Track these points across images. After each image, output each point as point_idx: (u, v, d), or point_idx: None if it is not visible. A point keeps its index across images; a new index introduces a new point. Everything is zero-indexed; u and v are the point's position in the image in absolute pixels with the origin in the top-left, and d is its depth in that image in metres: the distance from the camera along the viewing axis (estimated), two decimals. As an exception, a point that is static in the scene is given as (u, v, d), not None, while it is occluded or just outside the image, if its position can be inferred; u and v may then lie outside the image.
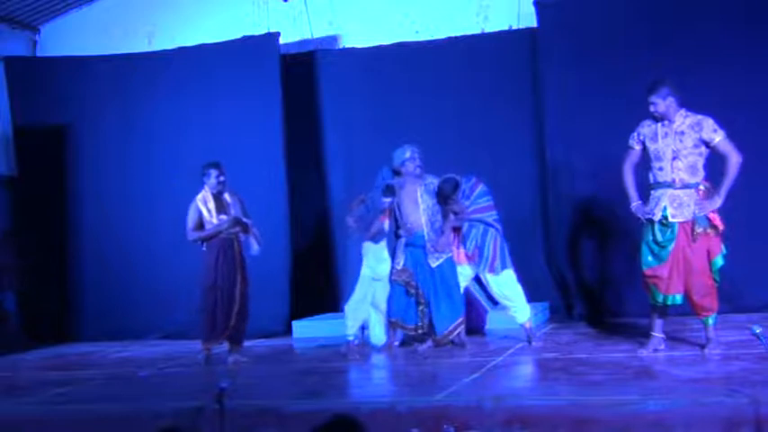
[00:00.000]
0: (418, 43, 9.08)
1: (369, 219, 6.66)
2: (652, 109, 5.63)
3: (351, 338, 6.78)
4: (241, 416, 4.80)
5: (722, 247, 5.65)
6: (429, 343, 6.85)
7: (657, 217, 5.61)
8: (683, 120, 5.61)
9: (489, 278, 6.79)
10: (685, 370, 5.25)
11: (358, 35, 9.41)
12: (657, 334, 5.85)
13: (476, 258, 6.80)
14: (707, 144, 5.56)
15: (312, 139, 9.32)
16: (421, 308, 6.81)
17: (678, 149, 5.57)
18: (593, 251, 8.14)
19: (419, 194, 6.83)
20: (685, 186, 5.58)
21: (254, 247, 7.00)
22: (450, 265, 6.83)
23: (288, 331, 8.50)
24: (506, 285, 6.78)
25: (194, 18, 9.85)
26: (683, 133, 5.58)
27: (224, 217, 6.88)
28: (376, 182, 6.93)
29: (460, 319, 6.79)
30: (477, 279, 6.97)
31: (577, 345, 6.64)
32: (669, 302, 5.69)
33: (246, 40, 9.07)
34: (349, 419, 2.89)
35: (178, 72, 9.22)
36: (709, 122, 5.56)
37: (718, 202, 5.53)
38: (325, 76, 9.32)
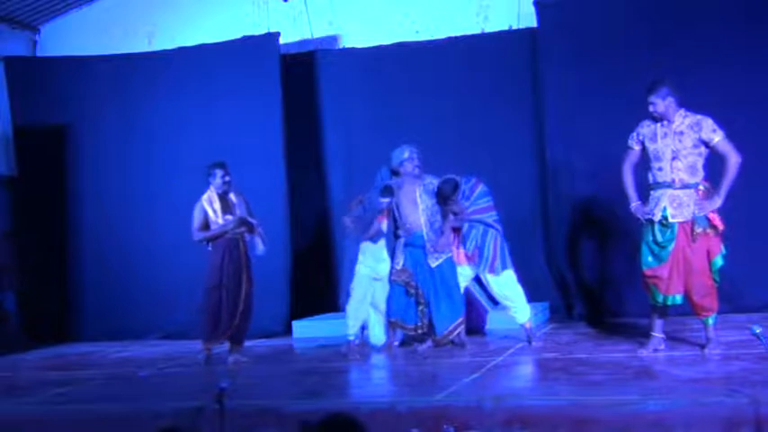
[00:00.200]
0: (418, 43, 9.08)
1: (366, 219, 6.66)
2: (651, 109, 5.63)
3: (351, 338, 6.78)
4: (241, 416, 4.80)
5: (722, 247, 5.65)
6: (429, 343, 6.86)
7: (657, 217, 5.62)
8: (683, 120, 5.61)
9: (489, 278, 6.79)
10: (685, 370, 5.25)
11: (358, 35, 9.42)
12: (657, 334, 5.86)
13: (476, 259, 6.80)
14: (706, 144, 5.56)
15: (312, 139, 9.33)
16: (421, 308, 6.81)
17: (677, 149, 5.57)
18: (593, 251, 8.14)
19: (418, 195, 6.83)
20: (685, 186, 5.58)
21: (260, 247, 7.01)
22: (450, 265, 6.83)
23: (288, 331, 8.50)
24: (506, 286, 6.78)
25: (194, 18, 9.85)
26: (682, 133, 5.58)
27: (229, 217, 6.88)
28: (375, 182, 6.93)
29: (460, 320, 6.79)
30: (478, 279, 6.97)
31: (577, 345, 6.64)
32: (669, 303, 5.69)
33: (246, 40, 9.07)
34: (347, 418, 2.89)
35: (178, 72, 9.22)
36: (708, 122, 5.56)
37: (717, 202, 5.53)
38: (325, 76, 9.32)
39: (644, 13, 7.96)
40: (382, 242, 6.79)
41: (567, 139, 8.12)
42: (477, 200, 6.82)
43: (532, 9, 8.32)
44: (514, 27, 8.83)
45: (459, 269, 6.87)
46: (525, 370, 6.10)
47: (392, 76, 8.99)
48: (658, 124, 5.67)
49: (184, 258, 8.60)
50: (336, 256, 9.02)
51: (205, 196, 6.92)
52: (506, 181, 8.27)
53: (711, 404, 4.24)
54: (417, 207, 6.82)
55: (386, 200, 6.68)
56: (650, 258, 5.68)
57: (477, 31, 9.03)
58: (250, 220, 6.97)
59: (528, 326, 6.83)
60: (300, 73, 9.22)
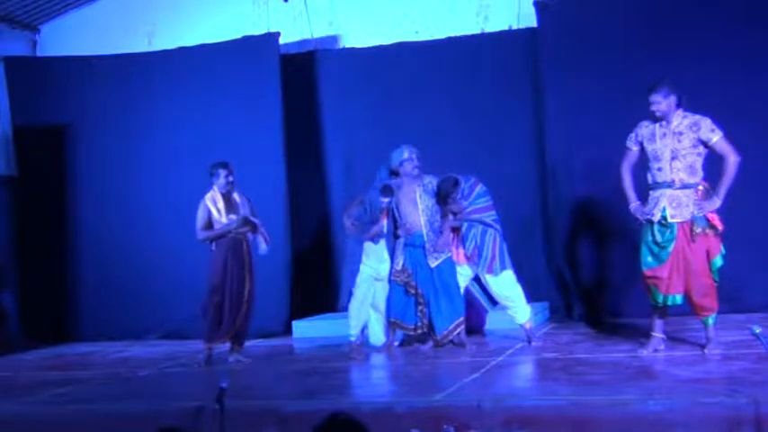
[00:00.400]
0: (418, 43, 9.08)
1: (366, 220, 6.66)
2: (654, 108, 5.62)
3: (353, 338, 6.78)
4: (241, 416, 4.80)
5: (721, 247, 5.65)
6: (430, 343, 6.86)
7: (657, 217, 5.62)
8: (681, 120, 5.62)
9: (488, 279, 6.79)
10: (685, 370, 5.24)
11: (358, 35, 9.42)
12: (658, 334, 5.86)
13: (475, 258, 6.80)
14: (705, 144, 5.56)
15: (312, 139, 9.33)
16: (420, 308, 6.81)
17: (677, 149, 5.57)
18: (593, 251, 8.13)
19: (418, 195, 6.83)
20: (684, 186, 5.58)
21: (262, 247, 7.01)
22: (450, 265, 6.83)
23: (288, 331, 8.50)
24: (506, 286, 6.79)
25: (194, 18, 9.85)
26: (681, 133, 5.58)
27: (233, 216, 6.89)
28: (374, 183, 6.93)
29: (460, 320, 6.79)
30: (477, 279, 6.97)
31: (577, 345, 6.64)
32: (669, 303, 5.69)
33: (246, 40, 9.07)
34: (349, 419, 2.89)
35: (178, 72, 9.22)
36: (706, 122, 5.57)
37: (717, 202, 5.54)
38: (325, 76, 9.33)
39: (644, 14, 7.96)
40: (383, 242, 6.79)
41: (567, 139, 8.12)
42: (475, 199, 6.82)
43: (532, 9, 8.32)
44: (514, 27, 8.82)
45: (458, 269, 6.87)
46: (525, 370, 6.10)
47: (392, 76, 8.99)
48: (657, 124, 5.67)
49: (184, 258, 8.61)
50: (336, 256, 9.02)
51: (209, 196, 6.93)
52: (506, 181, 8.27)
53: (711, 404, 4.24)
54: (417, 207, 6.82)
55: (386, 199, 6.68)
56: (650, 259, 5.68)
57: (477, 31, 9.03)
58: (253, 219, 6.98)
59: (528, 326, 6.83)
60: (300, 73, 9.22)
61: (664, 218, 5.59)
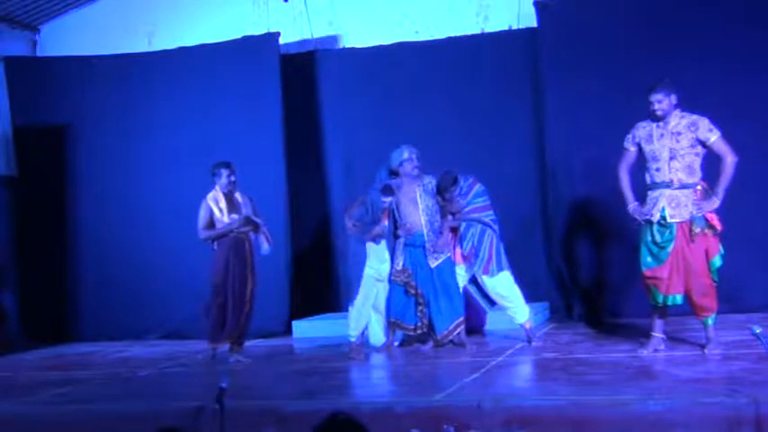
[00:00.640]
0: (418, 43, 9.08)
1: (368, 220, 6.66)
2: (656, 107, 5.62)
3: (353, 339, 6.78)
4: (241, 416, 4.80)
5: (720, 247, 5.65)
6: (430, 343, 6.86)
7: (656, 218, 5.62)
8: (679, 120, 5.62)
9: (485, 279, 6.80)
10: (685, 370, 5.25)
11: (358, 35, 9.41)
12: (658, 334, 5.86)
13: (471, 259, 6.81)
14: (703, 144, 5.57)
15: (312, 139, 9.32)
16: (420, 308, 6.81)
17: (675, 149, 5.58)
18: (592, 251, 8.13)
19: (418, 195, 6.84)
20: (683, 186, 5.59)
21: (265, 246, 7.02)
22: (450, 265, 6.83)
23: (288, 331, 8.50)
24: (503, 286, 6.79)
25: (194, 18, 9.84)
26: (679, 133, 5.59)
27: (235, 216, 6.88)
28: (374, 183, 6.93)
29: (460, 320, 6.79)
30: (475, 280, 6.96)
31: (577, 345, 6.64)
32: (669, 303, 5.69)
33: (246, 40, 9.07)
34: (349, 420, 2.88)
35: (178, 72, 9.21)
36: (704, 122, 5.57)
37: (716, 202, 5.54)
38: (325, 76, 9.32)
39: (644, 14, 7.95)
40: (384, 243, 6.79)
41: (567, 139, 8.12)
42: (474, 199, 6.83)
43: (532, 9, 8.31)
44: (514, 27, 8.82)
45: (456, 269, 6.88)
46: (525, 370, 6.10)
47: (392, 76, 8.99)
48: (654, 125, 5.68)
49: (184, 258, 8.62)
50: (336, 256, 9.03)
51: (211, 195, 6.93)
52: (506, 181, 8.27)
53: (711, 404, 4.24)
54: (417, 207, 6.83)
55: (388, 199, 6.68)
56: (649, 259, 5.68)
57: (477, 31, 9.02)
58: (255, 219, 6.98)
59: (528, 326, 6.84)
60: (300, 73, 9.21)
61: (663, 218, 5.59)
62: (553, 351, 6.42)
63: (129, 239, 9.24)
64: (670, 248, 5.59)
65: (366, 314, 6.82)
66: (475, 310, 7.24)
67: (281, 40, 9.07)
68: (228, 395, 4.43)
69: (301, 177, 9.08)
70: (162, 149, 9.20)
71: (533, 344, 6.71)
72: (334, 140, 9.31)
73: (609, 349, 6.25)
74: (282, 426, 4.84)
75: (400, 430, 4.50)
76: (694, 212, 5.55)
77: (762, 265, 7.51)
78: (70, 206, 9.56)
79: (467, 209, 6.82)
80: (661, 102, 5.61)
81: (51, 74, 9.59)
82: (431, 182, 6.87)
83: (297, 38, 9.55)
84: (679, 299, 5.66)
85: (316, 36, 9.55)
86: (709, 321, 5.71)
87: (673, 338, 6.11)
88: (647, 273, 5.69)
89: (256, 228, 6.99)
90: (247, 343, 7.25)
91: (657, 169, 5.64)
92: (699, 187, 5.61)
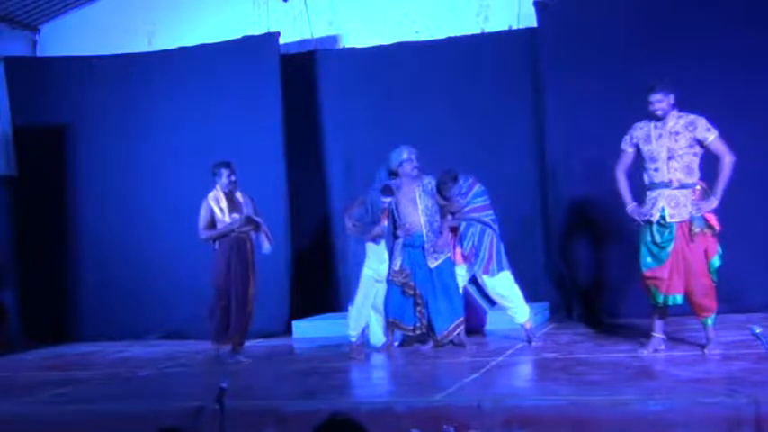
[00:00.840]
0: (418, 43, 9.08)
1: (368, 220, 6.66)
2: (655, 107, 5.62)
3: (353, 339, 6.78)
4: (241, 416, 4.80)
5: (718, 247, 5.66)
6: (430, 343, 6.87)
7: (656, 218, 5.62)
8: (677, 120, 5.63)
9: (485, 279, 6.80)
10: (685, 370, 5.25)
11: (358, 35, 9.41)
12: (658, 334, 5.86)
13: (471, 259, 6.81)
14: (701, 143, 5.58)
15: (312, 139, 9.32)
16: (419, 308, 6.81)
17: (673, 149, 5.58)
18: (592, 251, 8.13)
19: (417, 195, 6.83)
20: (682, 186, 5.59)
21: (266, 246, 7.01)
22: (449, 265, 6.83)
23: (288, 331, 8.50)
24: (503, 286, 6.79)
25: (194, 18, 9.84)
26: (677, 133, 5.59)
27: (236, 216, 6.88)
28: (373, 184, 6.93)
29: (460, 320, 6.79)
30: (475, 280, 6.96)
31: (577, 345, 6.64)
32: (670, 303, 5.69)
33: (246, 40, 9.07)
34: (348, 420, 2.89)
35: (178, 72, 9.21)
36: (702, 122, 5.59)
37: (714, 202, 5.55)
38: (325, 76, 9.32)
39: (644, 14, 7.95)
40: (383, 243, 6.79)
41: (567, 139, 8.12)
42: (473, 198, 6.84)
43: (532, 9, 8.31)
44: (514, 27, 8.82)
45: (456, 269, 6.88)
46: (525, 370, 6.10)
47: (392, 76, 8.99)
48: (652, 125, 5.68)
49: (184, 258, 8.62)
50: (336, 256, 9.03)
51: (211, 195, 6.92)
52: (506, 181, 8.28)
53: (711, 404, 4.24)
54: (417, 208, 6.82)
55: (387, 199, 6.68)
56: (649, 259, 5.68)
57: (477, 31, 9.03)
58: (256, 218, 6.98)
59: (528, 326, 6.84)
60: (300, 73, 9.22)
61: (663, 218, 5.59)
62: (553, 351, 6.42)
63: (129, 239, 9.23)
64: (670, 248, 5.59)
65: (366, 314, 6.82)
66: (475, 310, 7.24)
67: (281, 40, 9.07)
68: (228, 395, 4.43)
69: (301, 177, 9.08)
70: (162, 149, 9.20)
71: (533, 344, 6.71)
72: (334, 140, 9.31)
73: (609, 349, 6.25)
74: (282, 426, 4.84)
75: (400, 430, 4.50)
76: (694, 212, 5.56)
77: (762, 265, 7.51)
78: (70, 206, 9.56)
79: (466, 209, 6.82)
80: (661, 101, 5.61)
81: (51, 74, 9.59)
82: (430, 182, 6.87)
83: (297, 38, 9.55)
84: (679, 299, 5.66)
85: (316, 36, 9.55)
86: (709, 322, 5.71)
87: (673, 338, 6.11)
88: (647, 273, 5.69)
89: (257, 227, 6.99)
90: (247, 343, 7.25)
91: (656, 169, 5.64)
92: (698, 187, 5.62)
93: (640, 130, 5.75)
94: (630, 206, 5.80)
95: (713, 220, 5.60)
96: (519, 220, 8.27)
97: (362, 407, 4.79)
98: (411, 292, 6.81)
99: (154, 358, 7.71)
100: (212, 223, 6.90)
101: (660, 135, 5.63)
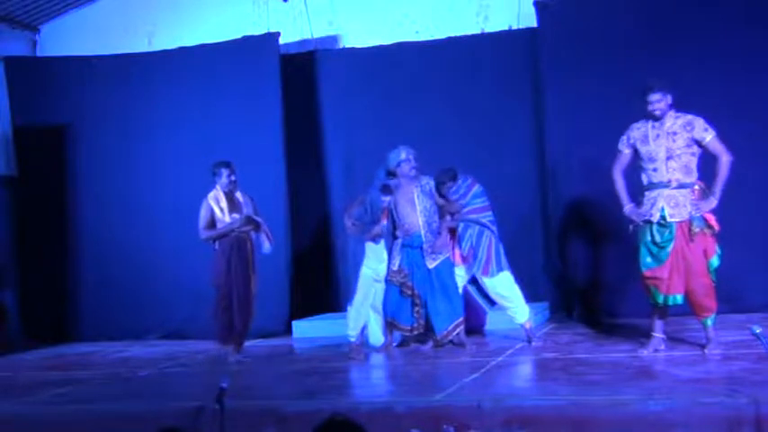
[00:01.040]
0: (418, 43, 9.08)
1: (367, 220, 6.66)
2: (654, 107, 5.62)
3: (352, 339, 6.78)
4: (241, 416, 4.80)
5: (717, 247, 5.66)
6: (430, 343, 6.87)
7: (656, 218, 5.62)
8: (675, 120, 5.63)
9: (485, 280, 6.81)
10: (685, 370, 5.25)
11: (358, 35, 9.42)
12: (658, 334, 5.86)
13: (470, 259, 6.81)
14: (698, 143, 5.58)
15: (312, 139, 9.33)
16: (417, 308, 6.81)
17: (671, 149, 5.59)
18: (592, 251, 8.12)
19: (415, 195, 6.83)
20: (681, 186, 5.60)
21: (266, 246, 7.00)
22: (448, 265, 6.83)
23: (288, 331, 8.50)
24: (503, 286, 6.79)
25: (194, 18, 9.84)
26: (675, 133, 5.60)
27: (237, 215, 6.87)
28: (372, 184, 6.93)
29: (459, 320, 6.79)
30: (475, 280, 6.96)
31: (577, 345, 6.64)
32: (670, 303, 5.69)
33: (246, 39, 9.07)
34: (347, 421, 2.89)
35: (178, 72, 9.21)
36: (700, 122, 5.60)
37: (713, 202, 5.55)
38: (325, 76, 9.33)
39: (644, 14, 7.95)
40: (382, 243, 6.79)
41: (567, 139, 8.11)
42: (472, 199, 6.84)
43: (532, 9, 8.31)
44: (514, 27, 8.82)
45: (455, 269, 6.88)
46: (525, 370, 6.10)
47: (392, 76, 8.99)
48: (649, 125, 5.69)
49: (184, 258, 8.62)
50: (336, 256, 9.03)
51: (211, 195, 6.91)
52: (506, 181, 8.28)
53: (711, 404, 4.24)
54: (415, 208, 6.82)
55: (387, 198, 6.68)
56: (649, 259, 5.68)
57: (477, 31, 9.03)
58: (256, 218, 6.97)
59: (528, 326, 6.84)
60: (300, 73, 9.22)
61: (663, 218, 5.59)
62: (553, 351, 6.42)
63: (129, 239, 9.24)
64: (670, 248, 5.59)
65: (365, 314, 6.83)
66: (475, 310, 7.25)
67: (281, 40, 9.07)
68: (228, 395, 4.43)
69: (301, 177, 9.08)
70: (162, 149, 9.20)
71: (533, 344, 6.70)
72: (334, 140, 9.31)
73: (609, 349, 6.25)
74: (282, 426, 4.84)
75: (400, 430, 4.50)
76: (693, 212, 5.56)
77: (762, 265, 7.51)
78: (70, 206, 9.57)
79: (465, 210, 6.82)
80: (660, 101, 5.62)
81: (51, 74, 9.59)
82: (428, 182, 6.87)
83: (297, 38, 9.56)
84: (679, 299, 5.66)
85: (316, 36, 9.55)
86: (709, 322, 5.71)
87: (673, 338, 6.11)
88: (647, 273, 5.69)
89: (257, 227, 6.98)
90: (247, 343, 7.25)
91: (655, 170, 5.64)
92: (696, 187, 5.63)
93: (637, 130, 5.76)
94: (628, 207, 5.80)
95: (712, 219, 5.61)
96: (519, 220, 8.28)
97: (362, 407, 4.79)
98: (409, 292, 6.81)
99: (154, 358, 7.71)
100: (212, 223, 6.88)
101: (658, 135, 5.64)
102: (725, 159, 5.53)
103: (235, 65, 9.02)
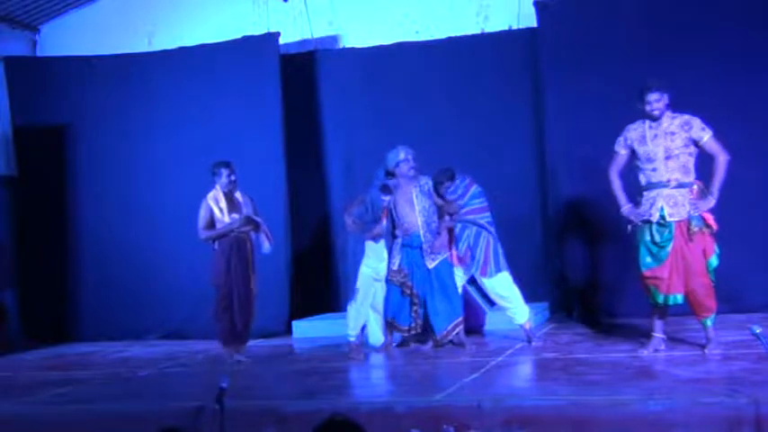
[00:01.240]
0: (418, 43, 9.08)
1: (368, 219, 6.66)
2: (653, 107, 5.62)
3: (352, 339, 6.78)
4: (241, 416, 4.80)
5: (715, 247, 5.66)
6: (430, 343, 6.87)
7: (656, 218, 5.62)
8: (672, 120, 5.64)
9: (484, 281, 6.81)
10: (685, 370, 5.25)
11: (358, 35, 9.42)
12: (658, 334, 5.86)
13: (467, 260, 6.81)
14: (696, 143, 5.59)
15: (312, 139, 9.32)
16: (415, 308, 6.81)
17: (670, 149, 5.59)
18: (592, 251, 8.12)
19: (414, 196, 6.83)
20: (680, 186, 5.60)
21: (266, 245, 6.99)
22: (447, 265, 6.83)
23: (288, 331, 8.50)
24: (502, 287, 6.79)
25: (194, 18, 9.85)
26: (673, 133, 5.61)
27: (236, 216, 6.86)
28: (372, 183, 6.93)
29: (459, 320, 6.79)
30: (474, 280, 6.96)
31: (577, 345, 6.64)
32: (670, 302, 5.69)
33: (246, 40, 9.07)
34: (346, 421, 2.89)
35: (178, 72, 9.22)
36: (697, 122, 5.61)
37: (711, 201, 5.56)
38: (325, 76, 9.33)
39: (644, 14, 7.95)
40: (382, 242, 6.80)
41: (567, 139, 8.11)
42: (470, 200, 6.84)
43: (532, 9, 8.31)
44: (514, 27, 8.83)
45: (454, 270, 6.88)
46: (525, 370, 6.10)
47: (392, 76, 8.99)
48: (646, 126, 5.69)
49: (184, 258, 8.62)
50: (336, 256, 9.02)
51: (211, 195, 6.90)
52: (506, 181, 8.29)
53: (711, 404, 4.24)
54: (414, 208, 6.82)
55: (387, 197, 6.69)
56: (649, 259, 5.68)
57: (477, 31, 9.03)
58: (256, 218, 6.96)
59: (527, 326, 6.84)
60: (300, 73, 9.22)
61: (662, 217, 5.59)
62: (553, 351, 6.42)
63: (129, 239, 9.24)
64: (669, 248, 5.60)
65: (364, 313, 6.83)
66: (474, 310, 7.25)
67: (281, 40, 9.07)
68: (228, 395, 4.43)
69: (301, 177, 9.08)
70: (162, 149, 9.20)
71: (533, 344, 6.70)
72: (334, 140, 9.31)
73: (608, 349, 6.25)
74: (282, 426, 4.84)
75: (400, 430, 4.50)
76: (692, 212, 5.56)
77: (762, 265, 7.51)
78: (70, 206, 9.57)
79: (463, 210, 6.82)
80: (659, 101, 5.63)
81: (51, 74, 9.59)
82: (427, 183, 6.88)
83: (297, 38, 9.56)
84: (680, 298, 5.66)
85: (316, 36, 9.55)
86: (709, 322, 5.71)
87: (673, 338, 6.11)
88: (646, 273, 5.69)
89: (257, 227, 6.98)
90: (247, 343, 7.24)
91: (653, 170, 5.65)
92: (695, 186, 5.64)
93: (634, 131, 5.77)
94: (626, 207, 5.80)
95: (710, 219, 5.61)
96: (519, 220, 8.27)
97: (362, 407, 4.79)
98: (408, 291, 6.81)
99: (154, 358, 7.71)
100: (212, 223, 6.87)
101: (656, 135, 5.64)
102: (722, 159, 5.54)
103: (235, 65, 9.02)
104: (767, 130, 7.48)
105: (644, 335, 6.10)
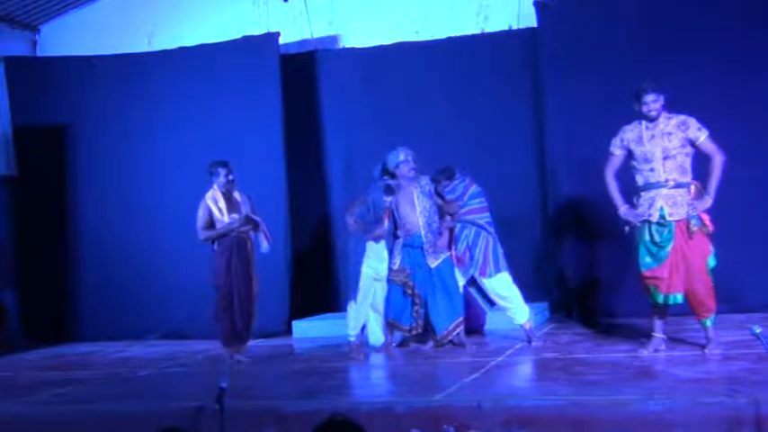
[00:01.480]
0: (418, 43, 9.08)
1: (370, 219, 6.66)
2: (651, 107, 5.63)
3: (352, 339, 6.78)
4: (241, 416, 4.80)
5: (711, 247, 5.67)
6: (430, 343, 6.87)
7: (655, 217, 5.62)
8: (668, 121, 5.65)
9: (483, 281, 6.81)
10: (685, 370, 5.25)
11: (358, 35, 9.42)
12: (658, 334, 5.86)
13: (465, 261, 6.81)
14: (692, 143, 5.60)
15: (312, 139, 9.32)
16: (416, 308, 6.81)
17: (667, 149, 5.60)
18: (592, 251, 8.12)
19: (415, 196, 6.83)
20: (678, 186, 5.61)
21: (264, 245, 6.98)
22: (449, 265, 6.84)
23: (288, 331, 8.50)
24: (501, 287, 6.80)
25: (194, 18, 9.85)
26: (670, 134, 5.62)
27: (235, 215, 6.85)
28: (372, 178, 6.93)
29: (460, 320, 6.79)
30: (474, 280, 6.96)
31: (577, 345, 6.64)
32: (671, 302, 5.69)
33: (246, 40, 9.07)
34: (346, 421, 2.89)
35: (178, 72, 9.21)
36: (693, 122, 5.63)
37: (708, 201, 5.58)
38: (325, 76, 9.32)
39: (644, 14, 7.95)
40: (383, 242, 6.79)
41: (567, 139, 8.11)
42: (470, 200, 6.84)
43: (532, 9, 8.31)
44: (514, 27, 8.82)
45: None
46: (525, 370, 6.10)
47: (392, 76, 8.99)
48: (643, 126, 5.71)
49: (184, 258, 8.62)
50: (337, 256, 9.02)
51: (209, 195, 6.88)
52: (506, 181, 8.29)
53: (711, 404, 4.25)
54: (415, 209, 6.83)
55: (389, 198, 6.69)
56: (648, 259, 5.68)
57: (477, 31, 9.03)
58: (255, 218, 6.96)
59: (527, 326, 6.84)
60: (300, 73, 9.22)
61: (662, 217, 5.60)
62: (553, 351, 6.42)
63: (129, 239, 9.23)
64: (669, 248, 5.60)
65: (364, 313, 6.83)
66: (475, 310, 7.25)
67: (281, 40, 9.07)
68: (228, 395, 4.43)
69: (301, 177, 9.08)
70: (162, 149, 9.20)
71: (533, 344, 6.71)
72: (334, 140, 9.31)
73: (608, 349, 6.25)
74: (282, 426, 4.84)
75: (400, 430, 4.50)
76: (690, 212, 5.57)
77: (762, 265, 7.51)
78: (70, 206, 9.56)
79: (462, 210, 6.82)
80: (656, 102, 5.64)
81: (51, 74, 9.59)
82: (428, 183, 6.88)
83: (297, 38, 9.56)
84: (680, 298, 5.66)
85: (316, 36, 9.55)
86: (708, 322, 5.72)
87: (673, 338, 6.11)
88: (646, 273, 5.69)
89: (256, 226, 6.97)
90: (248, 343, 7.24)
91: (651, 170, 5.65)
92: (692, 187, 5.65)
93: (631, 132, 5.77)
94: (623, 209, 5.81)
95: (707, 219, 5.62)
96: (518, 220, 8.26)
97: (362, 407, 4.79)
98: (410, 291, 6.81)
99: (154, 358, 7.71)
100: (211, 223, 6.85)
101: (653, 136, 5.65)
102: (718, 159, 5.55)
103: (235, 65, 9.01)
104: (767, 130, 7.49)
105: (644, 335, 6.10)
